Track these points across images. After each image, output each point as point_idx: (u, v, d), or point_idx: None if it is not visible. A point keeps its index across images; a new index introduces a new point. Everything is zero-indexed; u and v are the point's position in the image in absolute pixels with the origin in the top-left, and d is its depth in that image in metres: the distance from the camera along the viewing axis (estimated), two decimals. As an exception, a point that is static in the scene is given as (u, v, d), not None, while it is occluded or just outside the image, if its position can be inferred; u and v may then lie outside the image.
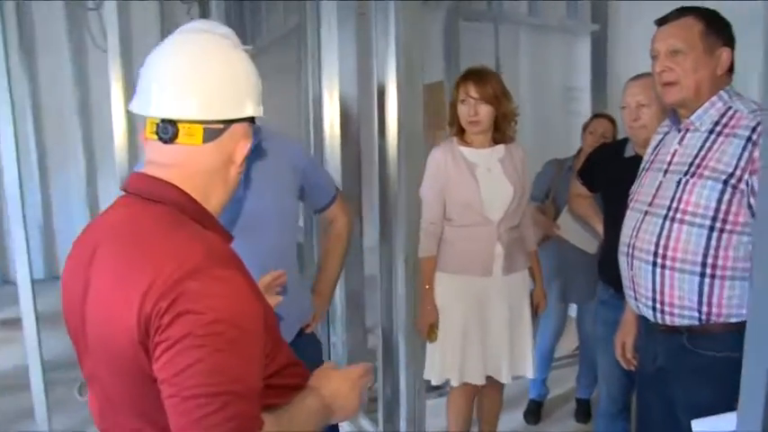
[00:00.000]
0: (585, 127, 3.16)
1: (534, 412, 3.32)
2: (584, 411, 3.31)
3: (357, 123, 3.19)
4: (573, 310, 3.47)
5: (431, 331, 2.45)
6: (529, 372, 2.52)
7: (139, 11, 4.96)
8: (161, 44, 1.07)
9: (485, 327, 2.42)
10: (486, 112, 2.34)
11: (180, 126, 1.03)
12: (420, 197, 2.44)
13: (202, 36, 1.07)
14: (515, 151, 2.45)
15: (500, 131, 2.41)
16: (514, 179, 2.40)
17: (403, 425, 2.68)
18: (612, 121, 3.08)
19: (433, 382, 2.54)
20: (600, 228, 2.55)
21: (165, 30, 4.99)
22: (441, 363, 2.46)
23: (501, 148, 2.42)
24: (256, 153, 1.79)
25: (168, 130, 1.03)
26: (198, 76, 1.03)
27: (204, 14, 4.77)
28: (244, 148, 1.09)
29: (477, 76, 2.37)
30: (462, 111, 2.37)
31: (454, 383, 2.48)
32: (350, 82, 3.12)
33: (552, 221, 3.06)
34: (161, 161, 1.06)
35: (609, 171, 2.43)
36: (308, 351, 1.77)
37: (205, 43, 1.06)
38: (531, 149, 4.57)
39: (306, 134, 3.41)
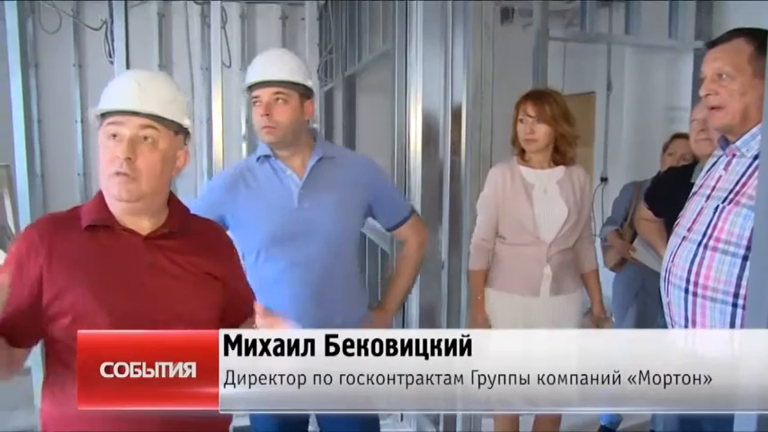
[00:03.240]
0: (665, 148, 3.07)
1: (606, 440, 3.23)
2: (660, 442, 3.19)
3: (441, 142, 3.30)
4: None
5: None
6: None
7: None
8: None
9: None
10: (542, 131, 2.38)
11: None
12: (476, 212, 2.52)
13: None
14: (576, 174, 2.47)
15: (560, 153, 2.44)
16: (571, 202, 2.42)
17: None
18: None
19: None
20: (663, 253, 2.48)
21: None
22: None
23: (561, 169, 2.45)
24: (320, 167, 1.93)
25: None
26: None
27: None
28: None
29: (535, 96, 2.43)
30: (520, 129, 2.42)
31: None
32: (434, 102, 3.24)
33: (629, 244, 3.01)
34: None
35: (674, 196, 2.37)
36: None
37: None
38: (633, 171, 4.46)
39: (391, 150, 3.56)
